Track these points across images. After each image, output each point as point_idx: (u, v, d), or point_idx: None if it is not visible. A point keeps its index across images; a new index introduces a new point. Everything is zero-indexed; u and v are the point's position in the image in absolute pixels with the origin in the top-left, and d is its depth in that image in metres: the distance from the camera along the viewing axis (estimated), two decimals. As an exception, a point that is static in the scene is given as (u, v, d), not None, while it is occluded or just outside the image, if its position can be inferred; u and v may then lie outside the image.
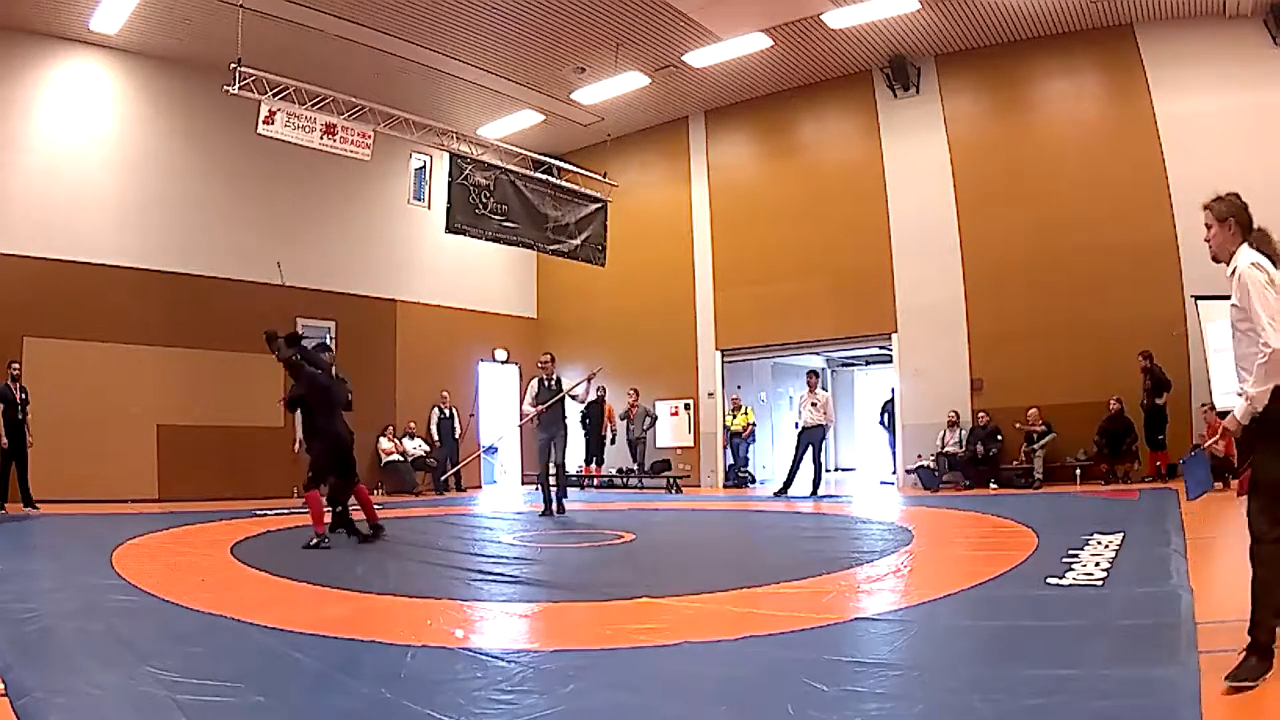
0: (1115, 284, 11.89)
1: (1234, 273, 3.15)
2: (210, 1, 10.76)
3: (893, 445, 15.13)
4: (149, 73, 12.59)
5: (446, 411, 15.14)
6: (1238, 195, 3.29)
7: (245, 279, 13.33)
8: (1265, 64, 11.23)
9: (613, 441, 15.62)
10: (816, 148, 14.89)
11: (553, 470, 9.65)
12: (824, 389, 14.77)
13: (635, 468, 15.42)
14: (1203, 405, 10.40)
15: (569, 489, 10.04)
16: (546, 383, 9.64)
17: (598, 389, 15.71)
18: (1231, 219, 3.24)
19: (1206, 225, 3.30)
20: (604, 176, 14.08)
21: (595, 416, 15.40)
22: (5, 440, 9.80)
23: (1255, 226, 3.26)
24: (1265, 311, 2.98)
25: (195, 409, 12.55)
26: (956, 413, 12.71)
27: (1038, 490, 11.38)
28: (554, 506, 9.54)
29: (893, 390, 15.55)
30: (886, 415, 15.26)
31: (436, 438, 15.01)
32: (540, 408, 9.49)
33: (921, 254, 13.38)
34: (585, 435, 15.56)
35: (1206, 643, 3.10)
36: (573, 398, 10.15)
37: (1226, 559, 4.79)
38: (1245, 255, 3.15)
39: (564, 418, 9.84)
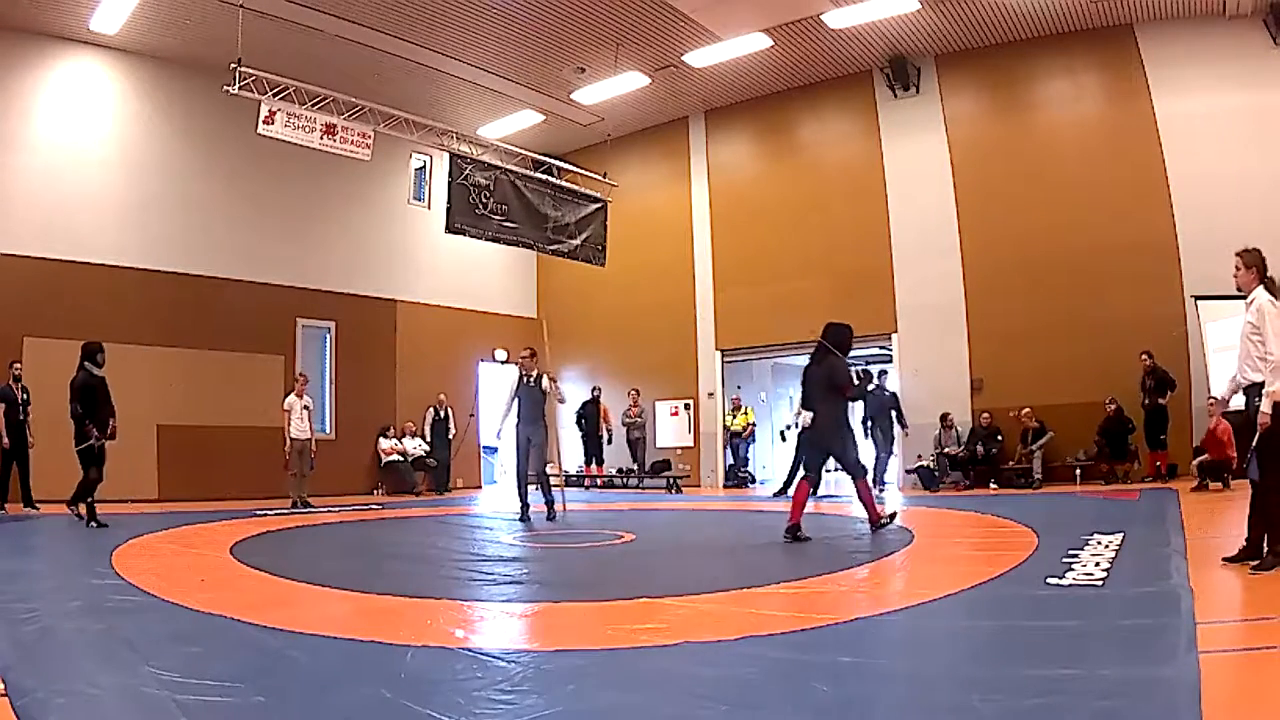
0: (1115, 284, 11.89)
1: (1252, 302, 4.74)
2: (210, 1, 10.77)
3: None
4: (149, 73, 12.60)
5: (441, 413, 15.12)
6: (1259, 250, 4.84)
7: (245, 279, 13.35)
8: (1265, 64, 11.24)
9: (609, 441, 15.57)
10: (816, 148, 14.89)
11: (532, 473, 9.15)
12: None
13: (635, 468, 15.41)
14: (1210, 400, 10.38)
15: (553, 491, 9.43)
16: (526, 380, 9.10)
17: (593, 389, 15.70)
18: (1255, 267, 4.82)
19: (1236, 268, 4.88)
20: (604, 176, 14.08)
21: (591, 417, 15.38)
22: (7, 440, 9.79)
23: (1268, 274, 4.79)
24: (1274, 333, 4.54)
25: (195, 409, 12.55)
26: (949, 413, 12.70)
27: (1037, 490, 11.38)
28: (529, 510, 9.08)
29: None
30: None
31: (429, 439, 15.00)
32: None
33: (921, 254, 13.38)
34: (583, 436, 15.54)
35: (1206, 643, 3.10)
36: (560, 400, 9.62)
37: (1226, 559, 4.80)
38: (1263, 293, 4.72)
39: (543, 417, 9.19)
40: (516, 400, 9.14)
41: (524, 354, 9.36)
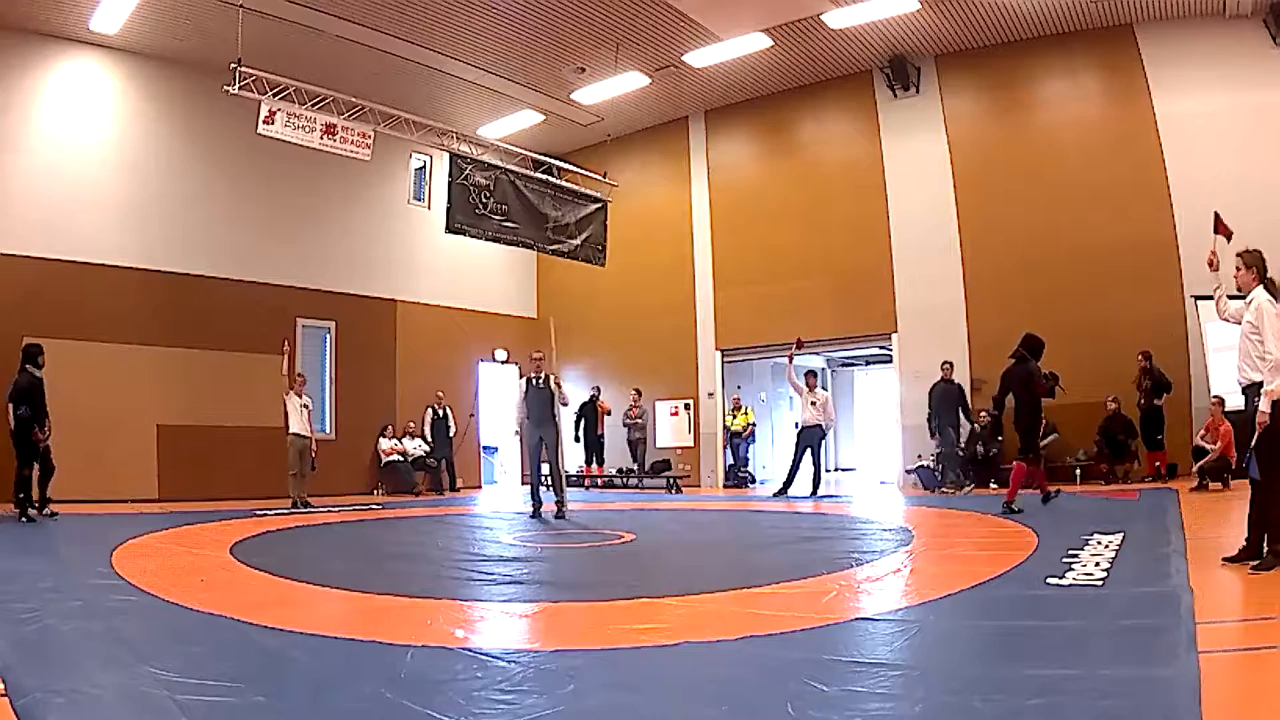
0: (1115, 284, 11.88)
1: (1251, 302, 4.79)
2: (210, 1, 10.77)
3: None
4: (149, 73, 12.60)
5: (440, 411, 15.11)
6: (1260, 250, 4.91)
7: (245, 279, 13.35)
8: (1265, 64, 11.24)
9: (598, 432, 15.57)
10: (816, 148, 14.89)
11: (546, 471, 9.50)
12: (823, 389, 14.74)
13: (635, 468, 15.41)
14: (1213, 398, 10.38)
15: (566, 489, 9.68)
16: (535, 382, 9.31)
17: (592, 388, 15.71)
18: (1255, 267, 4.88)
19: (1237, 268, 4.95)
20: (604, 176, 14.08)
21: (590, 417, 15.37)
22: None
23: (1268, 275, 4.85)
24: (1273, 333, 4.60)
25: (195, 409, 12.55)
26: None
27: (1038, 490, 11.34)
28: (540, 508, 9.31)
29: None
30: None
31: (430, 439, 15.00)
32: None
33: (921, 254, 13.38)
34: (582, 436, 15.53)
35: (1206, 643, 3.10)
36: (563, 403, 9.76)
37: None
38: (1262, 293, 4.78)
39: (554, 417, 9.42)
40: (526, 402, 9.34)
41: (536, 355, 9.64)
